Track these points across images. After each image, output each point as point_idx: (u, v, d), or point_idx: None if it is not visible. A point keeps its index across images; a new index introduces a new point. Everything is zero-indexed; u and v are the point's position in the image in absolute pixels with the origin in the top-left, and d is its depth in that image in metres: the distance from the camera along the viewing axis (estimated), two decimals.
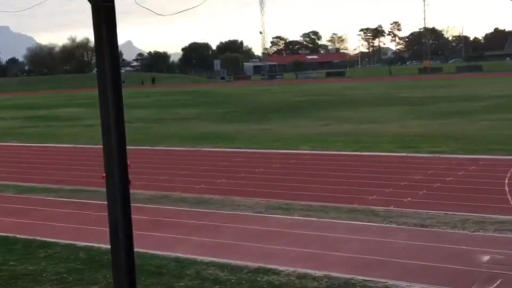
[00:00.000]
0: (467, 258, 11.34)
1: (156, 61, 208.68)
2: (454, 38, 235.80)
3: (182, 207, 16.66)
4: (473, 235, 12.87)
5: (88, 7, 6.57)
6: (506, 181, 17.94)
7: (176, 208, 16.54)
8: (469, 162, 21.43)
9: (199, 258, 12.05)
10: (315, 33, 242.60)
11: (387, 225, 13.99)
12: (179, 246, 13.02)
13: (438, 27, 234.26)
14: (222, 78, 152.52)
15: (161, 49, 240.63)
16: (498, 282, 10.08)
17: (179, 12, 6.49)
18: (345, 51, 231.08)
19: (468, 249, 11.86)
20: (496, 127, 30.65)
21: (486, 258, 11.28)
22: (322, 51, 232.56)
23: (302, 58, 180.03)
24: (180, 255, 12.28)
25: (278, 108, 51.08)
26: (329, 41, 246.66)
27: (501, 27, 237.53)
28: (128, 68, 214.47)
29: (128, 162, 18.28)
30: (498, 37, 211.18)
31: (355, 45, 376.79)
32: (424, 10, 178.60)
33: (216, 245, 13.00)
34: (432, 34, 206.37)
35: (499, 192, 16.66)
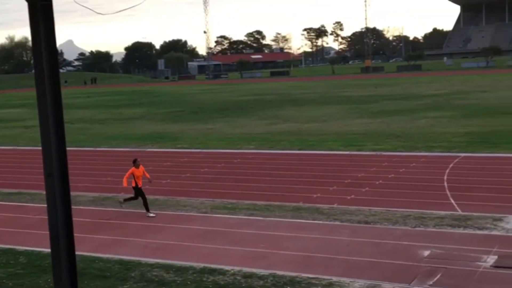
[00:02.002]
0: (409, 253, 11.59)
1: (98, 61, 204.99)
2: (394, 38, 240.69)
3: (126, 209, 16.42)
4: (414, 230, 13.17)
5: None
6: (445, 177, 18.44)
7: (120, 210, 16.28)
8: (409, 159, 21.92)
9: (144, 259, 11.91)
10: (259, 32, 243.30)
11: (331, 222, 14.17)
12: (123, 248, 12.84)
13: (379, 27, 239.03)
14: (166, 77, 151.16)
15: (103, 49, 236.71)
16: (438, 276, 10.35)
17: (120, 11, 6.39)
18: (289, 51, 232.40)
19: (409, 245, 12.13)
20: (434, 125, 31.46)
21: (426, 252, 11.56)
22: (266, 51, 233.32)
23: (247, 57, 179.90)
24: (124, 257, 12.12)
25: (223, 108, 51.02)
26: (273, 40, 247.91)
27: (439, 27, 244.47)
28: (69, 68, 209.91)
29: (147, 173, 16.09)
30: (436, 37, 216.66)
31: (298, 44, 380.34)
32: (366, 11, 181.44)
33: (161, 246, 12.88)
34: (374, 34, 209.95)
35: (439, 188, 17.10)
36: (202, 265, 11.41)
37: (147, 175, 15.97)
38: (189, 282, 10.56)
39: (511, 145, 22.57)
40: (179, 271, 11.15)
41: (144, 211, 15.50)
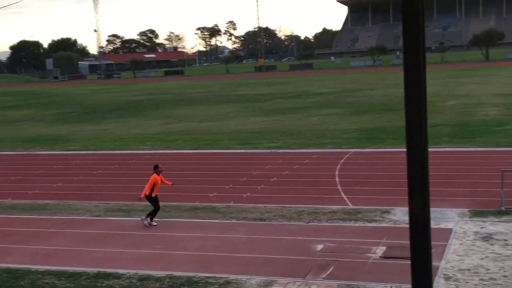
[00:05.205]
0: (303, 248, 11.87)
1: None
2: (286, 37, 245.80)
3: (14, 215, 15.71)
4: (308, 225, 13.50)
5: None
6: (337, 172, 19.04)
7: (7, 216, 15.56)
8: (303, 156, 22.44)
9: (34, 267, 11.44)
10: (152, 31, 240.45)
11: (228, 221, 14.24)
12: (11, 256, 12.26)
13: (272, 26, 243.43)
14: (56, 77, 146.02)
15: None
16: (331, 269, 10.66)
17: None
18: (183, 50, 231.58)
19: (303, 240, 12.42)
20: (326, 122, 32.41)
21: (320, 247, 11.89)
22: (159, 50, 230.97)
23: (140, 56, 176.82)
24: (12, 265, 11.57)
25: (116, 108, 49.96)
26: (166, 39, 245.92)
27: (328, 27, 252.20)
28: None
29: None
30: (326, 37, 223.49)
31: (192, 43, 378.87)
32: (258, 10, 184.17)
33: (52, 252, 12.42)
34: (266, 33, 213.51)
35: (331, 183, 17.63)
36: (96, 270, 11.11)
37: (168, 183, 14.53)
38: None
39: (397, 140, 23.65)
40: (71, 277, 10.80)
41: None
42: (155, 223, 14.08)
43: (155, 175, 14.02)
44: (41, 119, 43.76)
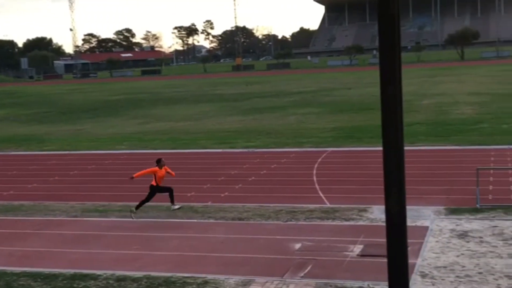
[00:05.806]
0: (281, 247, 11.89)
1: None
2: (264, 37, 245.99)
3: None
4: (286, 224, 13.52)
5: None
6: (315, 171, 19.10)
7: None
8: (281, 155, 22.49)
9: (9, 269, 11.30)
10: (129, 30, 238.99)
11: (206, 220, 14.22)
12: None
13: (249, 26, 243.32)
14: (31, 77, 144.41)
15: None
16: (309, 267, 10.70)
17: None
18: (160, 49, 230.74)
19: (281, 239, 12.44)
20: (303, 121, 32.50)
21: (298, 245, 11.92)
22: (136, 49, 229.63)
23: (117, 56, 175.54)
24: None
25: (92, 108, 49.56)
26: (143, 39, 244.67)
27: (306, 27, 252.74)
28: None
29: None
30: (303, 36, 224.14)
31: (169, 43, 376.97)
32: (235, 10, 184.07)
33: (28, 253, 12.28)
34: (244, 32, 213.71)
35: (308, 182, 17.68)
36: (72, 271, 11.01)
37: (172, 174, 15.14)
38: None
39: (374, 139, 23.79)
40: (47, 278, 10.69)
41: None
42: (177, 206, 14.59)
43: (157, 168, 14.49)
44: (16, 119, 43.26)
